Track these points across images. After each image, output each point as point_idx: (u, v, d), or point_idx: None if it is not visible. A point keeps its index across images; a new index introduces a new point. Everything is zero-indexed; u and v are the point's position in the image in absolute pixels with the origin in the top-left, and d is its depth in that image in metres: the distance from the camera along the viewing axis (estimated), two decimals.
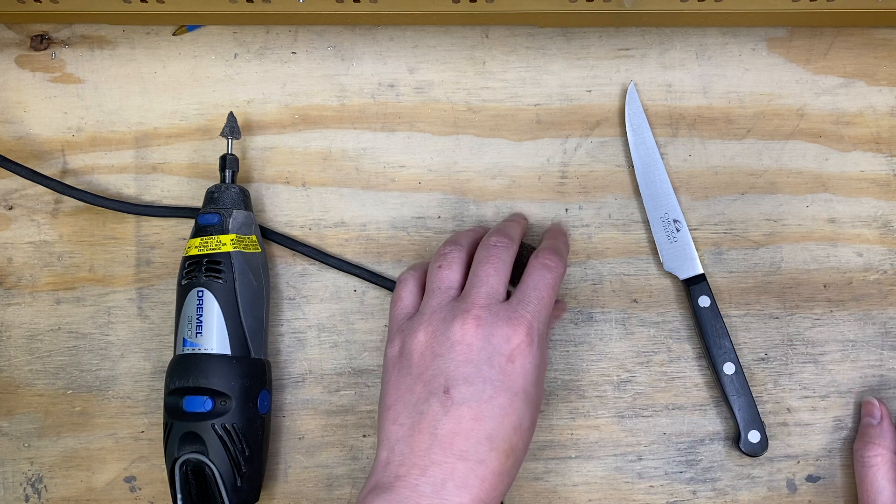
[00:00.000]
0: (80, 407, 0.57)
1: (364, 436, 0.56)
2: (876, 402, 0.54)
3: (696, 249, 0.56)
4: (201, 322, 0.51)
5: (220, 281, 0.52)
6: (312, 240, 0.58)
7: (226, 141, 0.56)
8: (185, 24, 0.59)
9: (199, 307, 0.52)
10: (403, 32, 0.59)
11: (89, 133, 0.59)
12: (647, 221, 0.57)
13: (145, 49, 0.60)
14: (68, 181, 0.58)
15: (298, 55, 0.59)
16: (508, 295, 0.49)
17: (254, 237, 0.55)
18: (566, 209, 0.58)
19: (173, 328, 0.55)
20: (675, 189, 0.57)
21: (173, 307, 0.56)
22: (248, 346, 0.52)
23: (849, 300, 0.57)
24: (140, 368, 0.57)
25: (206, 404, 0.50)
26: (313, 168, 0.58)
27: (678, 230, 0.56)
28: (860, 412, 0.55)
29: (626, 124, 0.58)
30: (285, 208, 0.58)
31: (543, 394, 0.50)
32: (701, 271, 0.56)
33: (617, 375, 0.56)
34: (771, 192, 0.57)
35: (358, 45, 0.59)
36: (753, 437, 0.54)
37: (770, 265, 0.57)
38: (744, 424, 0.54)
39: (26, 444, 0.57)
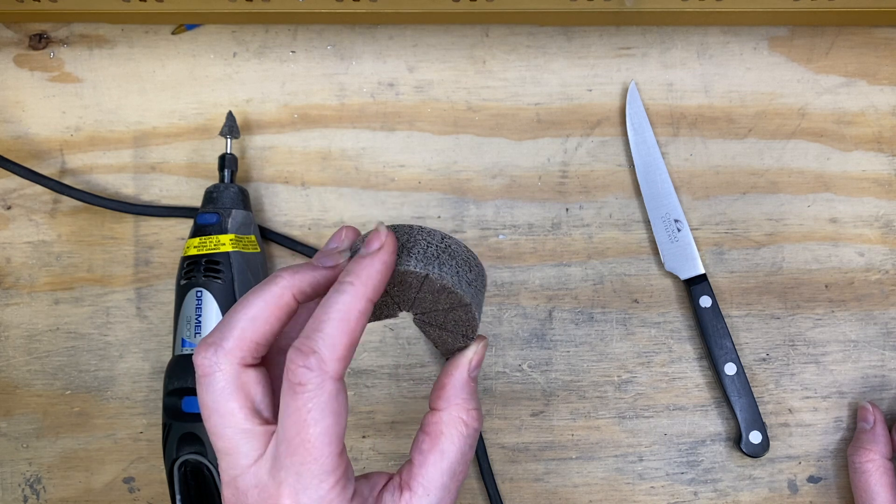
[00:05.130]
0: (79, 407, 0.57)
1: (364, 437, 0.56)
2: (869, 407, 0.53)
3: (698, 249, 0.56)
4: (200, 322, 0.51)
5: (219, 281, 0.52)
6: (311, 239, 0.58)
7: (225, 140, 0.56)
8: (184, 23, 0.59)
9: (198, 307, 0.52)
10: (403, 31, 0.59)
11: (88, 132, 0.59)
12: (648, 221, 0.57)
13: (144, 48, 0.59)
14: (67, 181, 0.58)
15: (298, 54, 0.59)
16: None
17: (253, 237, 0.54)
18: (567, 209, 0.57)
19: (172, 328, 0.55)
20: (676, 189, 0.57)
21: (172, 307, 0.55)
22: None
23: (850, 300, 0.56)
24: (139, 369, 0.57)
25: None
26: (312, 167, 0.58)
27: (679, 230, 0.56)
28: (856, 416, 0.55)
29: (627, 123, 0.57)
30: (284, 208, 0.58)
31: None
32: (702, 271, 0.56)
33: (618, 376, 0.56)
34: (772, 192, 0.57)
35: (357, 44, 0.59)
36: (755, 437, 0.54)
37: (771, 265, 0.57)
38: (745, 425, 0.54)
39: (25, 445, 0.57)
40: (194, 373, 0.50)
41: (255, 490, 0.34)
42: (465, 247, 0.38)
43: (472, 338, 0.38)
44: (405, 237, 0.37)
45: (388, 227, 0.35)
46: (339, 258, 0.36)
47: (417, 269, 0.35)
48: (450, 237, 0.37)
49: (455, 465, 0.36)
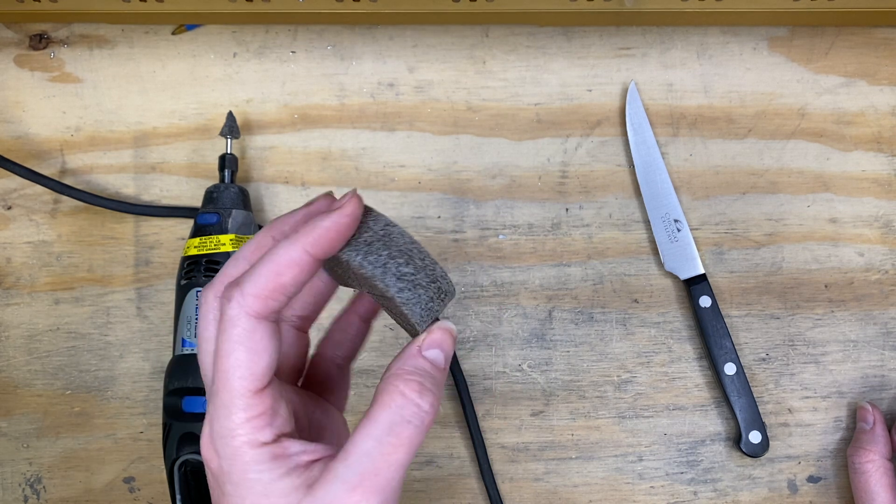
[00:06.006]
0: (79, 407, 0.57)
1: None
2: (869, 408, 0.53)
3: (697, 249, 0.56)
4: None
5: None
6: None
7: (225, 140, 0.56)
8: (184, 24, 0.59)
9: (199, 307, 0.52)
10: (403, 31, 0.59)
11: (88, 132, 0.59)
12: (648, 221, 0.57)
13: (144, 48, 0.59)
14: (67, 181, 0.58)
15: (298, 54, 0.59)
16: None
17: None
18: (566, 209, 0.58)
19: (172, 328, 0.55)
20: (675, 189, 0.57)
21: (172, 307, 0.55)
22: None
23: (850, 300, 0.56)
24: (139, 369, 0.57)
25: (205, 405, 0.50)
26: (312, 168, 0.58)
27: (679, 230, 0.56)
28: (856, 416, 0.55)
29: (627, 124, 0.57)
30: (284, 208, 0.58)
31: None
32: (702, 271, 0.56)
33: (617, 376, 0.56)
34: (772, 192, 0.57)
35: (357, 45, 0.59)
36: (754, 437, 0.54)
37: (771, 265, 0.57)
38: (745, 425, 0.54)
39: (25, 445, 0.57)
40: (195, 372, 0.51)
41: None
42: (412, 240, 0.36)
43: (416, 333, 0.36)
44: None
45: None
46: (343, 199, 0.34)
47: (340, 254, 0.35)
48: (395, 226, 0.36)
49: (381, 432, 0.32)
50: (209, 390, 0.34)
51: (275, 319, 0.33)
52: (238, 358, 0.33)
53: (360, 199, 0.34)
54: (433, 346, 0.35)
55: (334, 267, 0.37)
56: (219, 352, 0.33)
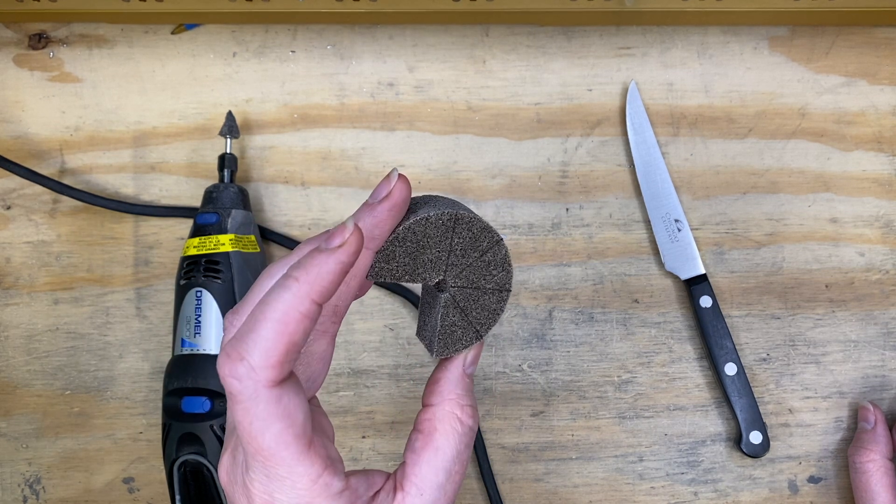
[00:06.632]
0: (79, 407, 0.57)
1: (363, 437, 0.56)
2: (870, 407, 0.53)
3: (698, 249, 0.56)
4: (200, 322, 0.51)
5: (219, 281, 0.52)
6: None
7: (224, 140, 0.56)
8: (184, 23, 0.59)
9: (198, 307, 0.51)
10: (403, 31, 0.59)
11: (87, 132, 0.59)
12: (649, 221, 0.57)
13: (144, 48, 0.59)
14: (66, 181, 0.58)
15: (297, 54, 0.59)
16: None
17: (252, 237, 0.54)
18: (567, 209, 0.57)
19: (172, 328, 0.55)
20: (676, 188, 0.57)
21: (172, 307, 0.55)
22: None
23: (851, 300, 0.56)
24: (138, 369, 0.57)
25: (204, 405, 0.50)
26: (312, 167, 0.58)
27: (679, 230, 0.56)
28: (857, 416, 0.55)
29: (627, 123, 0.57)
30: (284, 208, 0.58)
31: None
32: (702, 271, 0.56)
33: (618, 376, 0.56)
34: (772, 192, 0.57)
35: (357, 44, 0.59)
36: (755, 437, 0.54)
37: (772, 265, 0.57)
38: (745, 425, 0.54)
39: (24, 445, 0.57)
40: (194, 373, 0.50)
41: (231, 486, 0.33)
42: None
43: (485, 333, 0.36)
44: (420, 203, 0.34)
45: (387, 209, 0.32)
46: (344, 234, 0.30)
47: (444, 209, 0.33)
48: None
49: (450, 463, 0.34)
50: (247, 459, 0.32)
51: (292, 370, 0.31)
52: (274, 432, 0.30)
53: (360, 232, 0.31)
54: (474, 363, 0.36)
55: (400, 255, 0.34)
56: (247, 432, 0.30)
